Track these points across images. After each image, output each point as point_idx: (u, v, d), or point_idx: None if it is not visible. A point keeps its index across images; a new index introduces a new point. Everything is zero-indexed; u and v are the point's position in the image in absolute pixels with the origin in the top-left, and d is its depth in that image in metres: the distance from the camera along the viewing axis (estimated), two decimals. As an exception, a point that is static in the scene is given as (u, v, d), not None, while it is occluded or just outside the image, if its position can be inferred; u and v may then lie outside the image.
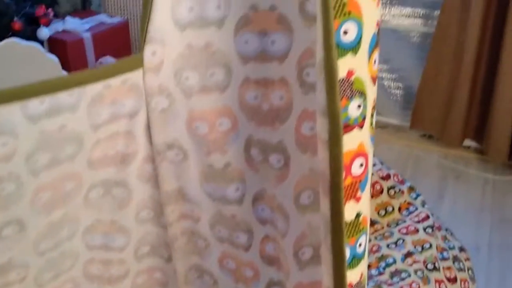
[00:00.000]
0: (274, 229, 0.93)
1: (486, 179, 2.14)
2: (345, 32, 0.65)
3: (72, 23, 2.49)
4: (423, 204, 1.77)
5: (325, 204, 0.69)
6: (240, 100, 0.88)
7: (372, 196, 1.77)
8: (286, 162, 0.86)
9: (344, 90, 0.68)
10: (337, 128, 0.65)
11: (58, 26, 2.46)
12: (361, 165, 0.70)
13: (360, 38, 0.68)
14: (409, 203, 1.75)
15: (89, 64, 2.49)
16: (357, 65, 0.68)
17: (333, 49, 0.63)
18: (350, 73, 0.68)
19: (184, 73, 0.87)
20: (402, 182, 1.83)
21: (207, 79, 0.88)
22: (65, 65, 2.31)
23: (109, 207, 0.94)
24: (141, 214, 0.99)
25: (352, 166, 0.69)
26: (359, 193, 0.71)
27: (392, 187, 1.81)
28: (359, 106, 0.69)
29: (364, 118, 0.70)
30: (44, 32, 2.37)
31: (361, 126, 0.70)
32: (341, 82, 0.67)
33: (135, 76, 0.86)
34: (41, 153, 0.80)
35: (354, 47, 0.67)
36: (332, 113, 0.65)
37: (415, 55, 2.32)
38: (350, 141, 0.68)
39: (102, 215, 0.95)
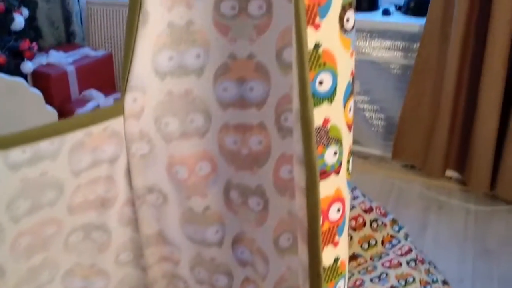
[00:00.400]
0: (254, 272, 0.93)
1: (468, 209, 2.16)
2: (321, 83, 0.67)
3: (56, 57, 2.51)
4: (406, 237, 1.78)
5: (303, 251, 0.69)
6: (220, 144, 0.89)
7: (355, 229, 1.77)
8: (265, 205, 0.87)
9: (320, 138, 0.69)
10: (314, 177, 0.66)
11: (42, 59, 2.47)
12: (338, 210, 0.71)
13: (335, 87, 0.69)
14: (392, 236, 1.76)
15: (72, 96, 2.49)
16: (332, 114, 0.70)
17: (309, 101, 0.64)
18: (326, 121, 0.69)
19: (164, 119, 0.89)
20: (384, 214, 1.84)
21: (187, 125, 0.89)
22: (49, 98, 2.32)
23: (89, 250, 0.94)
24: (121, 256, 0.99)
25: (330, 212, 0.70)
26: (336, 238, 0.71)
27: (375, 220, 1.81)
28: (335, 153, 0.71)
29: (340, 164, 0.72)
30: (28, 66, 2.38)
31: (338, 172, 0.71)
32: (317, 130, 0.68)
33: (115, 123, 0.87)
34: (22, 200, 0.80)
35: (329, 97, 0.69)
36: (309, 162, 0.66)
37: (396, 87, 2.36)
38: (327, 187, 0.69)
39: (82, 259, 0.94)
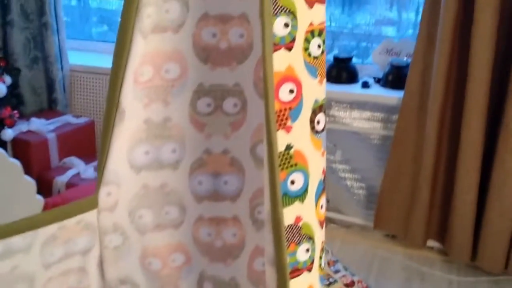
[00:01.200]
0: None
1: (451, 280, 2.15)
2: (293, 182, 0.68)
3: (37, 124, 2.51)
4: (388, 312, 1.76)
5: None
6: (194, 236, 0.89)
7: (336, 305, 1.75)
8: (239, 299, 0.86)
9: (292, 236, 0.69)
10: (284, 281, 0.66)
11: (23, 126, 2.47)
12: (312, 308, 0.70)
13: (307, 186, 0.70)
14: (373, 312, 1.74)
15: (52, 164, 2.48)
16: (304, 212, 0.70)
17: (279, 206, 0.64)
18: (298, 219, 0.69)
19: (139, 212, 0.89)
20: (366, 289, 1.82)
21: (162, 217, 0.89)
22: (28, 166, 2.30)
23: None
24: None
25: (302, 311, 0.69)
26: (310, 337, 0.70)
27: (356, 295, 1.79)
28: (307, 250, 0.70)
29: (312, 261, 0.71)
30: (8, 133, 2.38)
31: (310, 269, 0.71)
32: (290, 228, 0.68)
33: (89, 216, 0.87)
34: None
35: (301, 195, 0.69)
36: (280, 265, 0.66)
37: (376, 157, 2.38)
38: (300, 285, 0.69)
39: None
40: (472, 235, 2.13)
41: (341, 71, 2.38)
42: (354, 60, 2.45)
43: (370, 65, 2.53)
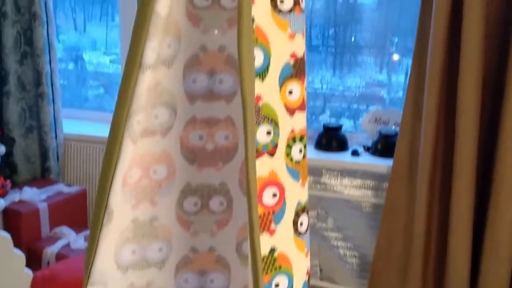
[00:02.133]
0: None
1: None
2: (277, 285, 0.69)
3: (29, 193, 2.50)
4: None
5: None
6: None
7: None
8: None
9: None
10: None
11: (15, 196, 2.47)
12: None
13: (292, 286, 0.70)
14: None
15: (43, 234, 2.46)
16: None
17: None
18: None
19: None
20: None
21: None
22: (18, 237, 2.28)
23: None
24: None
25: None
26: None
27: None
28: None
29: None
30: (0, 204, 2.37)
31: None
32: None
33: None
34: None
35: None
36: None
37: (368, 224, 2.38)
38: None
39: None
40: (466, 305, 2.10)
41: (331, 139, 2.42)
42: (345, 124, 2.50)
43: (360, 134, 2.57)
